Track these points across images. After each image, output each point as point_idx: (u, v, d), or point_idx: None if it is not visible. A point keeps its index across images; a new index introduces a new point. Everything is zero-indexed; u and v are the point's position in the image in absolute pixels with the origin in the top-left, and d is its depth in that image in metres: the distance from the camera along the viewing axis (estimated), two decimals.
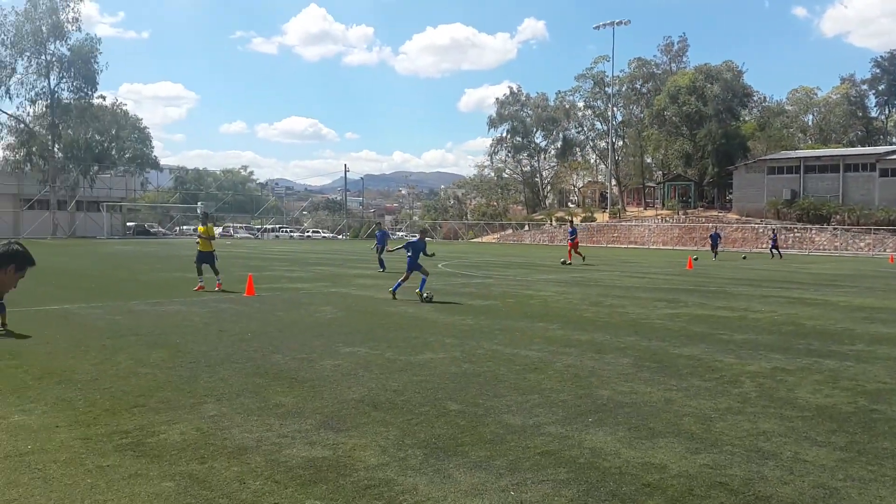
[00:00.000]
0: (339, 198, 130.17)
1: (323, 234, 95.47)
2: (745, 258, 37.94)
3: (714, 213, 71.08)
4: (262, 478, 4.78)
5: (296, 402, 6.73)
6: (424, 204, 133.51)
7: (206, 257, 17.69)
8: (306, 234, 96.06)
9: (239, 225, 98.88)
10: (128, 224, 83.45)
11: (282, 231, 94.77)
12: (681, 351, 9.79)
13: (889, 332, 11.82)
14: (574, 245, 33.41)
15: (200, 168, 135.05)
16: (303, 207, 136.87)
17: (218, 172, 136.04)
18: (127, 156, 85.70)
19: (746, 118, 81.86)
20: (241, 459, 5.13)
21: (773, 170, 66.08)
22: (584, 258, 33.43)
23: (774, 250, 42.17)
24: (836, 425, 6.20)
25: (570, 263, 31.90)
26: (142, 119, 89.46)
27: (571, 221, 41.84)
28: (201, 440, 5.56)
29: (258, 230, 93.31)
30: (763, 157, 70.46)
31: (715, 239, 41.33)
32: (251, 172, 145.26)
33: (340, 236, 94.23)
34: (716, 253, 40.53)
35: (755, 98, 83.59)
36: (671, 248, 62.40)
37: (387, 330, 11.38)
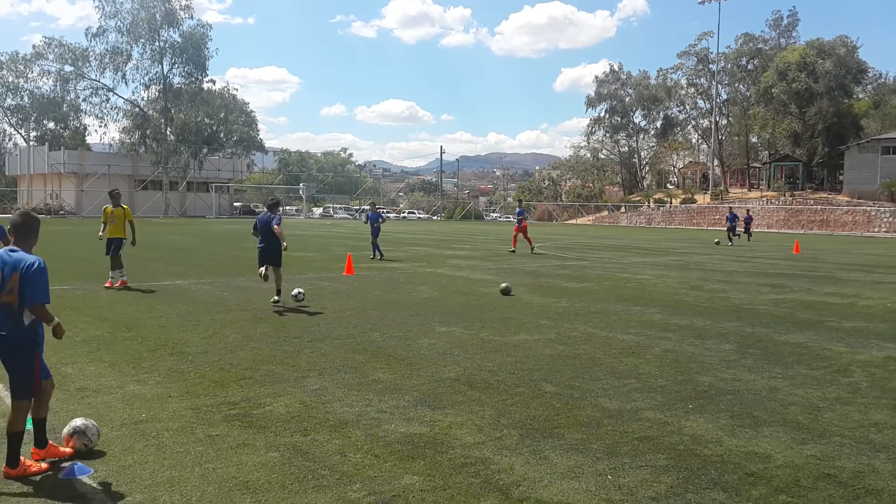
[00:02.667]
0: (434, 179, 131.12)
1: (418, 215, 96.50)
2: (717, 242, 34.14)
3: (823, 195, 67.58)
4: (362, 451, 4.93)
5: (393, 379, 6.88)
6: (519, 185, 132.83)
7: (115, 243, 14.02)
8: (402, 214, 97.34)
9: (338, 205, 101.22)
10: (234, 204, 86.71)
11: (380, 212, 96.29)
12: (786, 338, 9.42)
13: None
14: (521, 229, 26.23)
15: (302, 150, 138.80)
16: (399, 189, 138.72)
17: (319, 155, 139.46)
18: (234, 138, 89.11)
19: (860, 96, 77.17)
20: (342, 433, 5.30)
21: (887, 150, 62.10)
22: (532, 248, 26.06)
23: (736, 232, 35.65)
24: None
25: (513, 251, 26.14)
26: (248, 103, 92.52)
27: (521, 202, 32.90)
28: (304, 413, 5.78)
29: (356, 211, 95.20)
30: (877, 137, 66.26)
31: (732, 219, 35.13)
32: (350, 154, 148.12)
33: (435, 217, 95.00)
34: (731, 237, 34.85)
35: (870, 75, 78.63)
36: (777, 231, 59.80)
37: (481, 310, 11.44)
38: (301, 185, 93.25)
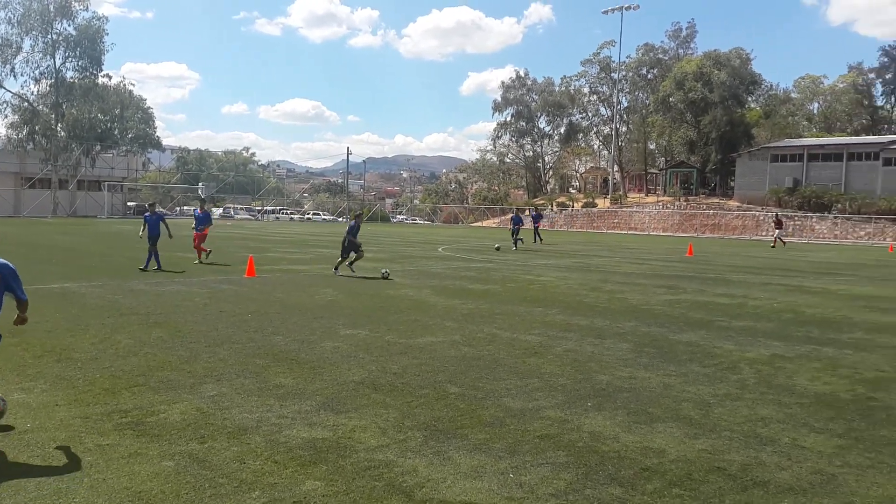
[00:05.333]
0: (340, 180, 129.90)
1: (323, 217, 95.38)
2: (498, 248, 31.06)
3: (716, 199, 70.89)
4: (261, 458, 4.80)
5: (295, 384, 6.74)
6: (425, 187, 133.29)
7: None
8: (307, 216, 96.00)
9: (239, 206, 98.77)
10: (128, 204, 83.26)
11: (282, 213, 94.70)
12: (680, 337, 9.81)
13: (888, 321, 11.83)
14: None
15: (202, 149, 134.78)
16: (304, 190, 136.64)
17: (219, 153, 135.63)
18: (129, 136, 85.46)
19: (752, 105, 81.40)
20: (241, 439, 5.15)
21: (776, 157, 65.84)
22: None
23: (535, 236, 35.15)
24: (835, 412, 6.22)
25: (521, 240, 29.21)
26: (145, 99, 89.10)
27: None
28: (201, 420, 5.58)
29: (259, 212, 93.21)
30: (767, 145, 70.16)
31: (517, 222, 33.29)
32: (252, 154, 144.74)
33: (341, 219, 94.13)
34: (516, 240, 32.65)
35: (762, 86, 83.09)
36: (671, 234, 62.31)
37: (387, 313, 11.39)
38: (200, 184, 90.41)
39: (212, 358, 7.76)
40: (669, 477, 4.63)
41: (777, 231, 42.16)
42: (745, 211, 63.15)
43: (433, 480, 4.48)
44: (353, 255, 17.88)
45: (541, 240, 35.72)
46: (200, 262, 19.47)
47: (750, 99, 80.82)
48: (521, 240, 32.84)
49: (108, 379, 6.74)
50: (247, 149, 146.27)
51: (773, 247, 39.97)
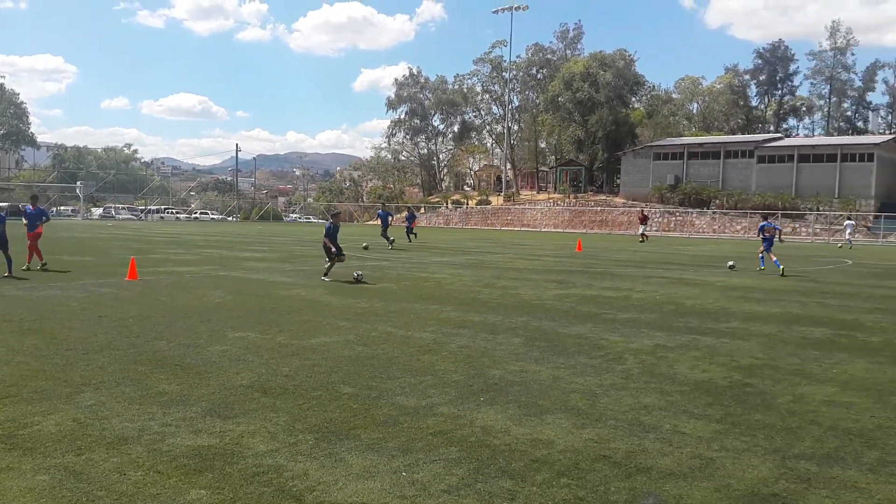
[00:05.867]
0: (229, 178, 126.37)
1: (212, 216, 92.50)
2: (366, 247, 30.11)
3: (603, 197, 73.43)
4: (143, 468, 4.60)
5: (180, 390, 6.50)
6: (319, 185, 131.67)
7: None
8: (194, 215, 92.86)
9: (121, 206, 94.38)
10: (0, 204, 78.13)
11: (168, 212, 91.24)
12: (569, 330, 10.08)
13: (761, 310, 12.57)
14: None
15: (80, 146, 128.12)
16: (190, 188, 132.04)
17: (99, 151, 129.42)
18: (1, 132, 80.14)
19: (636, 105, 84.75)
20: (121, 450, 4.92)
21: (658, 156, 68.85)
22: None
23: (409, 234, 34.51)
24: (713, 399, 6.54)
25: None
26: (18, 94, 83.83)
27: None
28: (78, 431, 5.30)
29: (142, 211, 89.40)
30: (650, 144, 73.26)
31: (410, 219, 34.34)
32: (135, 151, 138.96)
33: (231, 218, 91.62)
34: (410, 235, 33.88)
35: (645, 86, 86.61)
36: (562, 230, 64.09)
37: (278, 314, 11.15)
38: (78, 183, 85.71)
39: (90, 366, 7.37)
40: (558, 467, 4.74)
41: (642, 227, 44.15)
42: (630, 207, 65.66)
43: (324, 483, 4.41)
44: (333, 258, 16.67)
45: (415, 236, 35.43)
46: (28, 268, 17.03)
47: (634, 99, 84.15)
48: (415, 234, 34.32)
49: None
50: (129, 145, 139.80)
51: (641, 241, 41.56)
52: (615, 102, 76.82)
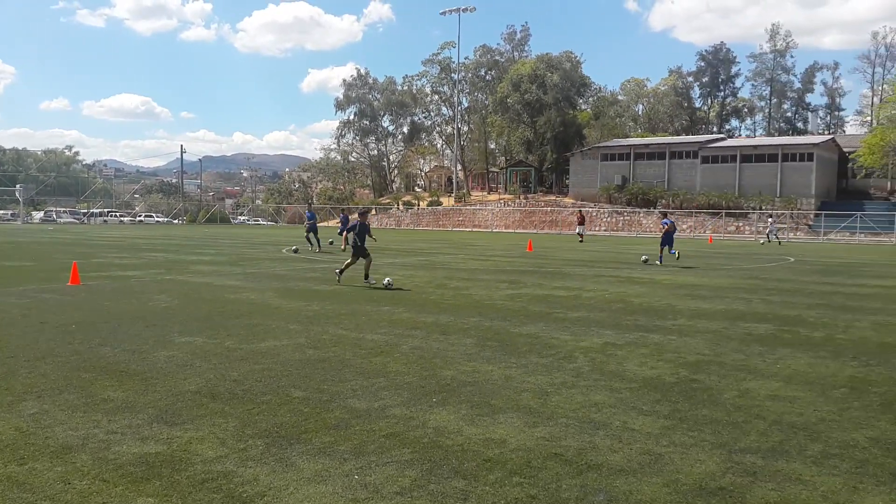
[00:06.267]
0: (174, 180, 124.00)
1: (157, 219, 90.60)
2: (295, 250, 27.88)
3: (553, 197, 74.16)
4: (88, 477, 4.48)
5: (126, 397, 6.35)
6: (268, 187, 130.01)
7: None
8: (138, 218, 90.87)
9: (63, 209, 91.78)
10: None
11: (111, 215, 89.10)
12: (521, 330, 10.15)
13: (707, 307, 12.85)
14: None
15: (19, 148, 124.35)
16: (134, 190, 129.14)
17: (38, 153, 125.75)
18: None
19: (583, 107, 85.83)
20: (66, 459, 4.79)
21: (605, 157, 69.84)
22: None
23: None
24: (661, 395, 6.66)
25: None
26: None
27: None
28: (20, 440, 5.15)
29: (84, 214, 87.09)
30: (597, 145, 74.26)
31: (345, 221, 34.02)
32: (76, 153, 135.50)
33: (176, 221, 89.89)
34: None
35: (591, 88, 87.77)
36: (513, 231, 64.54)
37: (226, 318, 10.98)
38: (18, 186, 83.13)
39: (32, 373, 7.14)
40: (510, 466, 4.77)
41: (579, 227, 44.77)
42: (579, 208, 66.43)
43: (275, 488, 4.35)
44: (361, 259, 16.13)
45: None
46: None
47: (581, 101, 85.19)
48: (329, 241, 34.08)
49: None
50: (70, 147, 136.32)
51: (581, 241, 41.85)
52: (563, 104, 77.66)
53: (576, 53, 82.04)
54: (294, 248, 28.80)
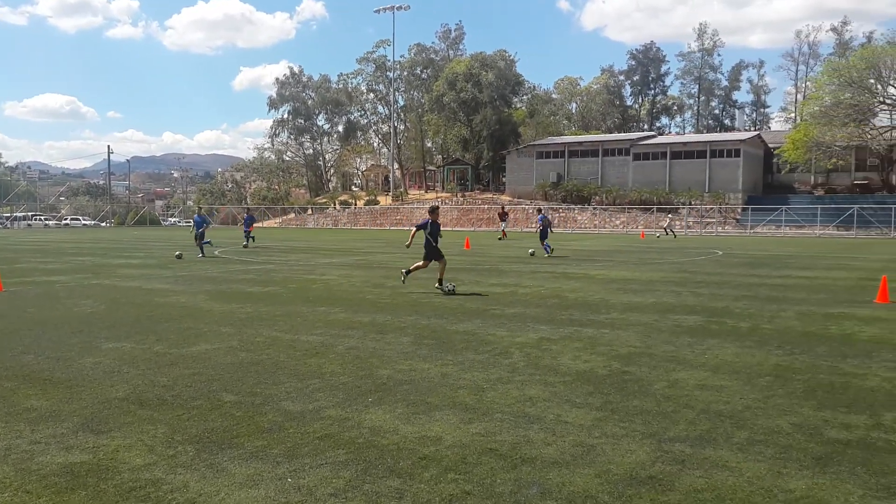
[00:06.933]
0: (102, 182, 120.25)
1: (84, 222, 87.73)
2: (179, 256, 24.72)
3: (490, 195, 74.68)
4: (10, 489, 4.32)
5: (50, 405, 6.13)
6: (200, 188, 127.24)
7: None
8: (64, 221, 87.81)
9: None
10: None
11: (35, 219, 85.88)
12: (457, 327, 10.19)
13: (639, 301, 13.13)
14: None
15: None
16: (59, 193, 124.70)
17: None
18: None
19: (518, 105, 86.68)
20: None
21: (541, 154, 70.71)
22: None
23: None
24: (593, 387, 6.77)
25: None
26: None
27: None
28: None
29: (7, 218, 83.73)
30: (532, 143, 75.10)
31: (249, 222, 34.56)
32: None
33: (104, 223, 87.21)
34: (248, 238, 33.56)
35: (526, 86, 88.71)
36: (451, 229, 64.72)
37: (156, 322, 10.70)
38: None
39: None
40: (445, 463, 4.78)
41: (502, 223, 45.40)
42: (516, 205, 67.11)
43: (205, 494, 4.27)
44: (434, 262, 15.04)
45: (252, 240, 34.09)
46: None
47: (516, 99, 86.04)
48: (252, 238, 34.28)
49: None
50: None
51: (500, 238, 41.95)
52: (498, 102, 78.30)
53: (510, 52, 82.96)
54: (178, 253, 25.78)
